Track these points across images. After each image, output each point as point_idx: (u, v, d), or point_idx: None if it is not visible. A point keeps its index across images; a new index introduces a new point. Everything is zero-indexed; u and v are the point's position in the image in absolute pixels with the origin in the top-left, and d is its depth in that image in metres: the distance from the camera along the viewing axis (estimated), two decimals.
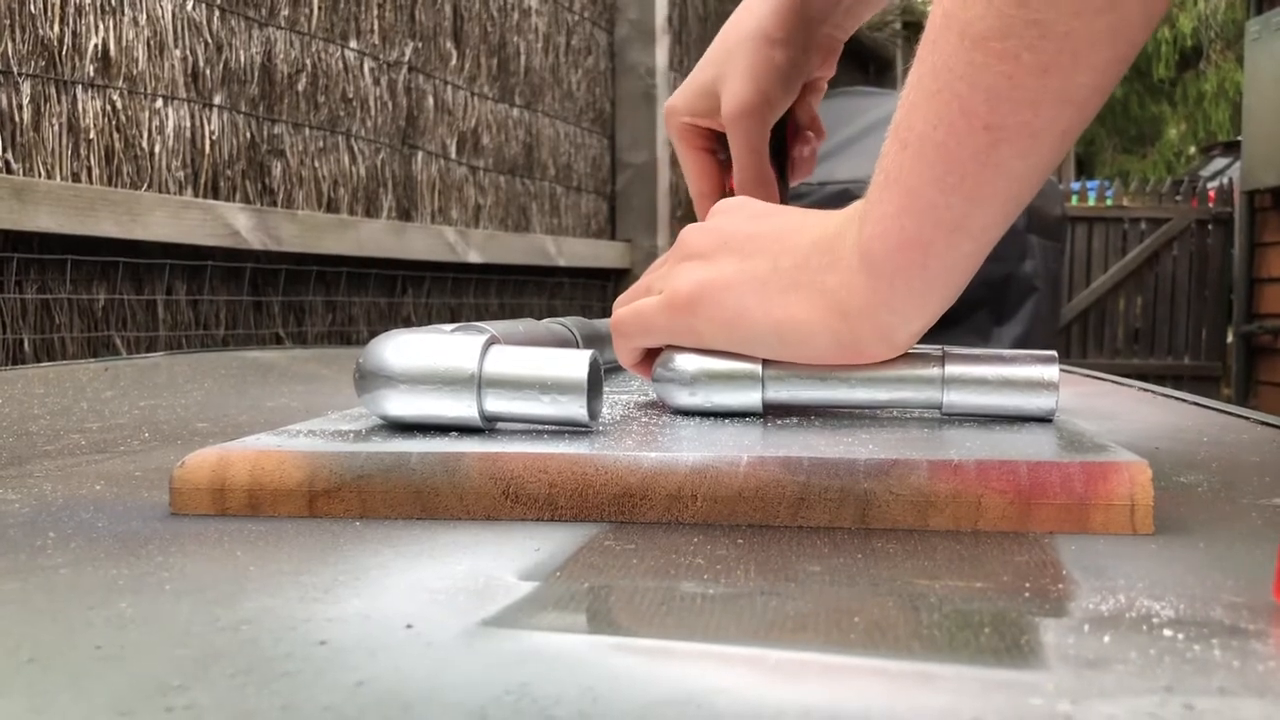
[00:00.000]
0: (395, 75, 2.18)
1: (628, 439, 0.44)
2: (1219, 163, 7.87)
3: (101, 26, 1.53)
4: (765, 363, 0.51)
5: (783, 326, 0.48)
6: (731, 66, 0.67)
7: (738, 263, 0.50)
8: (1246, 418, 0.69)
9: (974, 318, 3.35)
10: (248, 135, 1.80)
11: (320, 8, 1.96)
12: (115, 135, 1.56)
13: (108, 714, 0.22)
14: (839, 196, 3.44)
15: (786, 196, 0.72)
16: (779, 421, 0.50)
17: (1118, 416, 0.71)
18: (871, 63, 5.77)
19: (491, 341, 0.47)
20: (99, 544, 0.37)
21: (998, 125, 0.41)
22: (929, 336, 0.49)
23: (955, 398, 0.50)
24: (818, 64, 0.71)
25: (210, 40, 1.72)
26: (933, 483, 0.39)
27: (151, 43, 1.61)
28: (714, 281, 0.50)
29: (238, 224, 1.72)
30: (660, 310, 0.52)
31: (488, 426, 0.47)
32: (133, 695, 0.23)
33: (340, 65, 2.02)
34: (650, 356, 0.55)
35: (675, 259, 0.53)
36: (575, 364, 0.45)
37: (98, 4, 1.52)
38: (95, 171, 1.53)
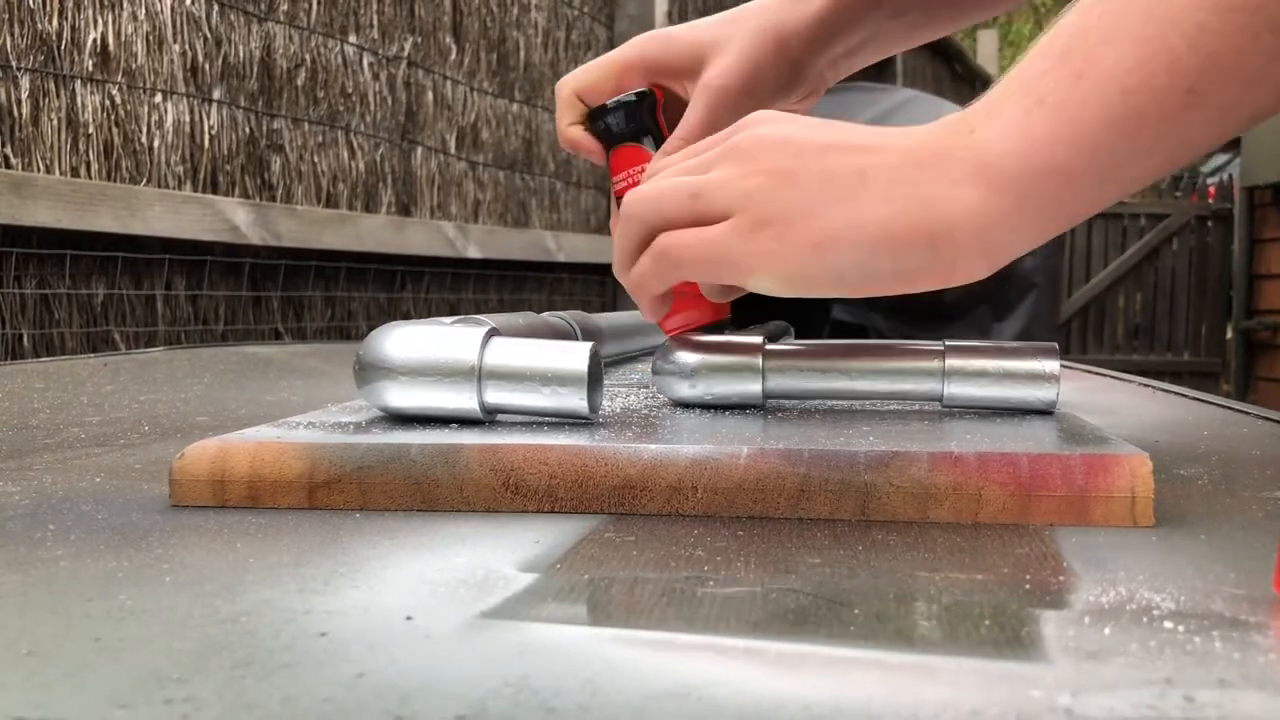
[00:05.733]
0: (395, 70, 2.18)
1: (628, 430, 0.44)
2: (1219, 158, 7.87)
3: (100, 21, 1.53)
4: (765, 355, 0.51)
5: (879, 244, 0.44)
6: (734, 42, 0.64)
7: (820, 178, 0.45)
8: (1246, 412, 0.69)
9: (973, 314, 3.35)
10: (247, 130, 1.80)
11: (319, 2, 1.96)
12: (114, 130, 1.56)
13: (107, 706, 0.22)
14: None
15: None
16: (779, 413, 0.50)
17: (1118, 411, 0.71)
18: None
19: (492, 333, 0.47)
20: (99, 536, 0.37)
21: (1201, 93, 0.40)
22: (927, 334, 0.49)
23: (956, 390, 0.50)
24: (799, 96, 0.68)
25: (209, 35, 1.72)
26: (933, 475, 0.39)
27: (150, 37, 1.61)
28: (798, 202, 0.45)
29: (237, 219, 1.72)
30: (735, 235, 0.46)
31: (488, 418, 0.46)
32: (132, 687, 0.23)
33: (339, 60, 2.02)
34: (673, 301, 0.52)
35: (732, 170, 0.47)
36: (575, 356, 0.45)
37: None
38: (94, 166, 1.53)
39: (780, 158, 0.46)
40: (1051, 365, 0.50)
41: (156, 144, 1.62)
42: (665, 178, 0.50)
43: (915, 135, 0.46)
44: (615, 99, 0.65)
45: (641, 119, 0.65)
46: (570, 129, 0.66)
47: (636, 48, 0.66)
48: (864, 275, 0.45)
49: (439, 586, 0.31)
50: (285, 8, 1.88)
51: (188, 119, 1.68)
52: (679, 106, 0.65)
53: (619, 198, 0.65)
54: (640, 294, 0.51)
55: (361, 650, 0.25)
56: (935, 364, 0.50)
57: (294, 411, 0.61)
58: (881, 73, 5.96)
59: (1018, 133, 0.43)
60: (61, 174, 1.48)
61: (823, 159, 0.46)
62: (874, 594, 0.30)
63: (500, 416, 0.48)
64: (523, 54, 2.67)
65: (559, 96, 0.67)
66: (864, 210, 0.44)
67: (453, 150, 2.38)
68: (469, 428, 0.45)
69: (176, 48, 1.65)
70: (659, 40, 0.66)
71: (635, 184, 0.63)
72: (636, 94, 0.65)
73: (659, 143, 0.64)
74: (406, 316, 2.23)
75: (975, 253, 0.44)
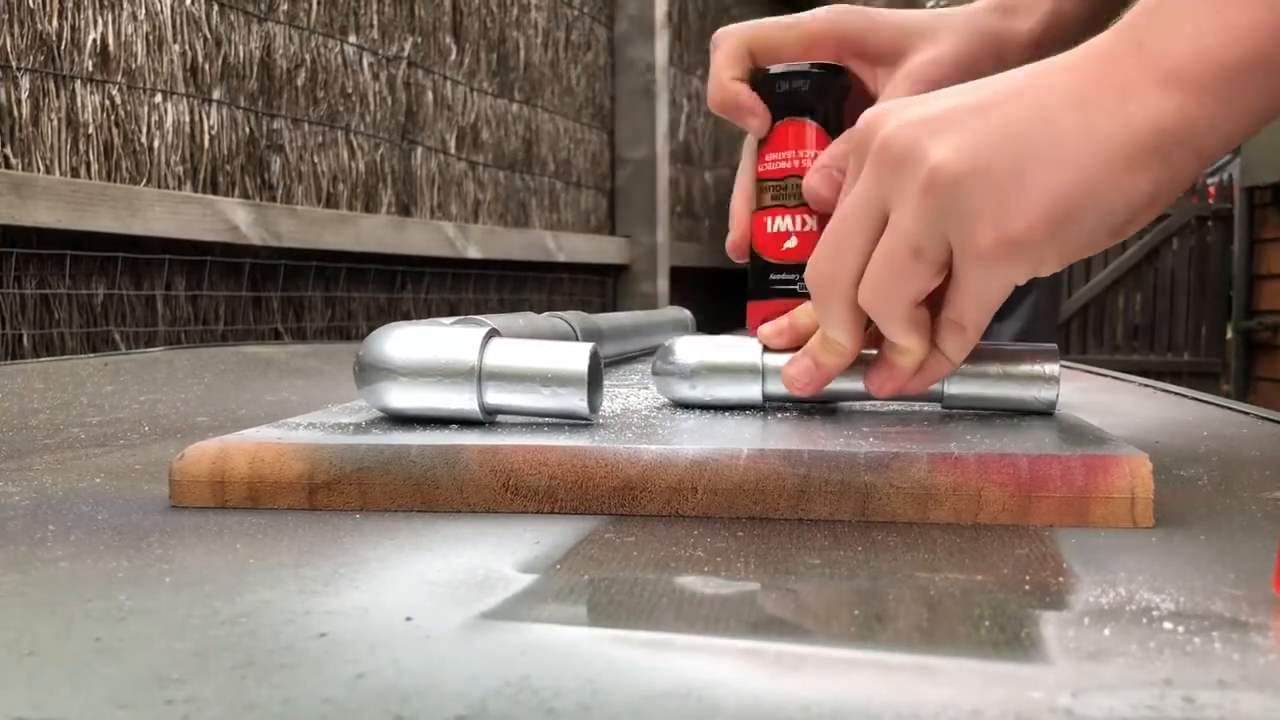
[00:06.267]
0: (395, 70, 2.18)
1: (628, 431, 0.44)
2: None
3: (100, 21, 1.53)
4: (766, 353, 0.51)
5: (1106, 183, 0.41)
6: (948, 37, 0.58)
7: (1003, 137, 0.41)
8: (1246, 413, 0.69)
9: None
10: (247, 130, 1.80)
11: (319, 2, 1.96)
12: (114, 130, 1.56)
13: (107, 707, 0.22)
14: None
15: None
16: (779, 414, 0.50)
17: (1118, 411, 0.71)
18: None
19: (492, 334, 0.47)
20: (99, 537, 0.37)
21: None
22: None
23: (956, 390, 0.50)
24: None
25: (209, 35, 1.72)
26: (933, 476, 0.39)
27: (150, 37, 1.61)
28: (1001, 178, 0.41)
29: (237, 219, 1.72)
30: (974, 261, 0.42)
31: (488, 419, 0.46)
32: (132, 688, 0.23)
33: (339, 60, 2.02)
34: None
35: (910, 190, 0.42)
36: (575, 356, 0.45)
37: None
38: (94, 166, 1.53)
39: (945, 145, 0.42)
40: (1051, 366, 0.50)
41: (156, 144, 1.62)
42: (847, 254, 0.45)
43: (1067, 61, 0.43)
44: (810, 64, 0.57)
45: (832, 97, 0.57)
46: (733, 83, 0.58)
47: (833, 17, 0.59)
48: (1104, 223, 0.42)
49: (439, 587, 0.31)
50: (285, 8, 1.88)
51: (188, 119, 1.68)
52: (857, 105, 0.57)
53: (765, 179, 0.58)
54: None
55: (362, 651, 0.25)
56: None
57: (294, 412, 0.61)
58: None
59: (1209, 28, 0.40)
60: (61, 174, 1.48)
61: (989, 118, 0.42)
62: (874, 594, 0.30)
63: (500, 417, 0.48)
64: (523, 54, 2.67)
65: (722, 45, 0.59)
66: (1072, 152, 0.41)
67: (453, 150, 2.38)
68: (469, 428, 0.45)
69: (176, 48, 1.65)
70: (862, 16, 0.59)
71: (799, 170, 0.56)
72: (832, 67, 0.57)
73: (834, 133, 0.56)
74: (406, 317, 2.23)
75: (1189, 160, 0.41)
